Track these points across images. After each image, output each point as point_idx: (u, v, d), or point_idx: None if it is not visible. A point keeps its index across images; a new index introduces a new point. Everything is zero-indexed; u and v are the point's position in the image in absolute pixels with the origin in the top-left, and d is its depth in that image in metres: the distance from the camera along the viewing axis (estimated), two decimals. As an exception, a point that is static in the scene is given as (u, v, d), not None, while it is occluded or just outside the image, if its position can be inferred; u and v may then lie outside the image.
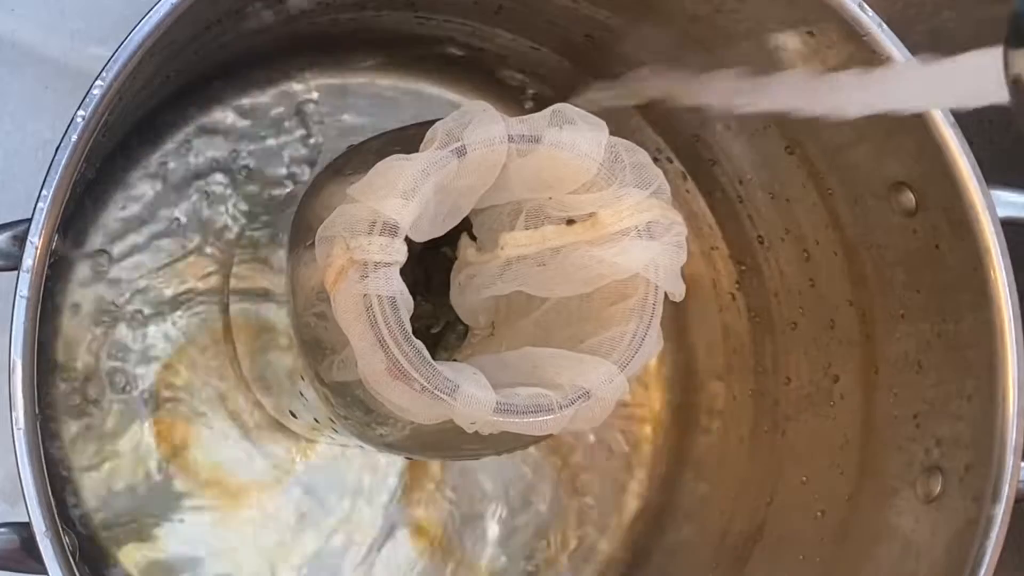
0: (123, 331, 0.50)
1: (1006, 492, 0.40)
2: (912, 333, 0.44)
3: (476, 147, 0.37)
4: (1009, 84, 0.28)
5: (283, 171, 0.52)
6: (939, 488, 0.42)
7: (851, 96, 0.37)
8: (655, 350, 0.39)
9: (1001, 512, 0.39)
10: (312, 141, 0.52)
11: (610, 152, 0.38)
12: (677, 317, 0.55)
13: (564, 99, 0.55)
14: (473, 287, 0.43)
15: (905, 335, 0.44)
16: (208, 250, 0.51)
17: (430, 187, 0.36)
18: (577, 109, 0.39)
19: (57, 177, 0.36)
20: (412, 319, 0.37)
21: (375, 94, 0.53)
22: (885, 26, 0.40)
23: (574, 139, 0.38)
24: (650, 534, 0.55)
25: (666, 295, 0.39)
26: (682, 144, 0.53)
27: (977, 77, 0.30)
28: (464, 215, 0.40)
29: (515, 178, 0.39)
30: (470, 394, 0.36)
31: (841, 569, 0.46)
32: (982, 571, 0.39)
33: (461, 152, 0.37)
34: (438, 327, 0.44)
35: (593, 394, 0.37)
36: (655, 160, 0.55)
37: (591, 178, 0.38)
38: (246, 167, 0.51)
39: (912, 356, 0.44)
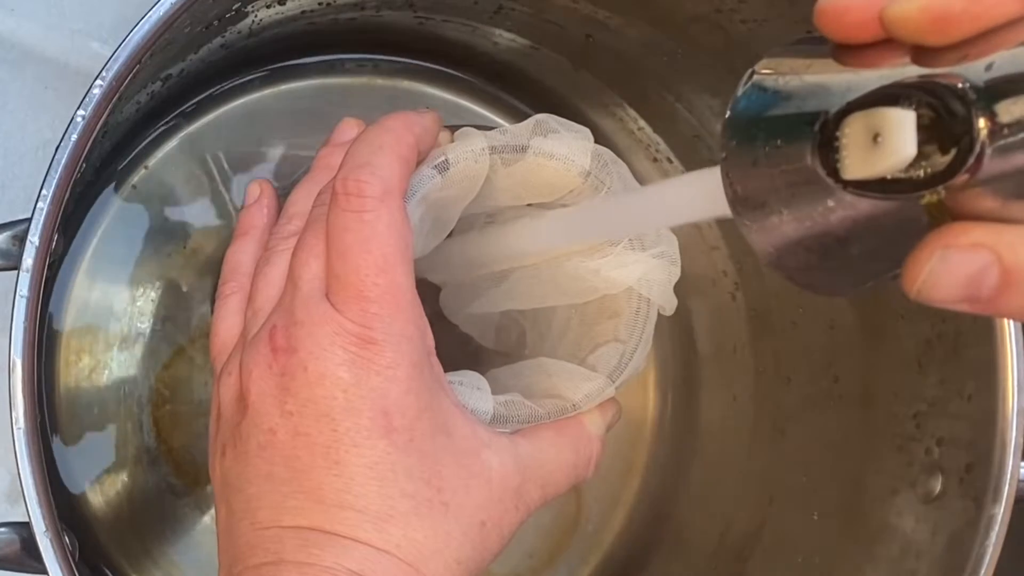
0: (123, 331, 0.50)
1: (1006, 492, 0.40)
2: (912, 333, 0.44)
3: (459, 161, 0.37)
4: (729, 198, 0.27)
5: (284, 170, 0.52)
6: (939, 488, 0.42)
7: (591, 228, 0.38)
8: (644, 363, 0.39)
9: (1001, 512, 0.40)
10: (311, 142, 0.52)
11: (597, 159, 0.38)
12: (677, 317, 0.55)
13: (563, 99, 0.55)
14: (461, 302, 0.43)
15: (905, 335, 0.44)
16: (208, 250, 0.51)
17: (415, 203, 0.36)
18: (559, 119, 0.39)
19: (57, 177, 0.36)
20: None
21: (375, 94, 0.53)
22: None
23: (561, 147, 0.38)
24: (650, 534, 0.55)
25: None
26: (682, 144, 0.53)
27: (702, 194, 0.30)
28: (451, 228, 0.40)
29: (500, 187, 0.39)
30: (471, 407, 0.36)
31: (841, 569, 0.46)
32: (982, 571, 0.39)
33: (444, 168, 0.37)
34: (472, 344, 0.45)
35: (580, 407, 0.38)
36: (654, 160, 0.55)
37: (579, 185, 0.38)
38: (244, 168, 0.51)
39: (912, 356, 0.44)
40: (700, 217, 0.32)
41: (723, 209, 0.28)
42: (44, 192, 0.36)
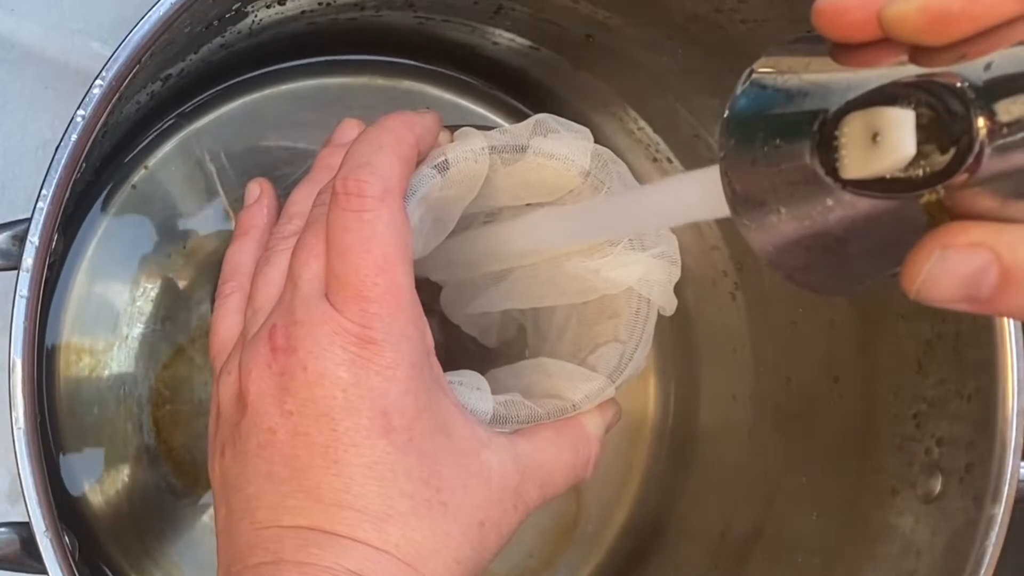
0: (123, 331, 0.50)
1: (1006, 492, 0.40)
2: (912, 333, 0.44)
3: (459, 161, 0.37)
4: (728, 197, 0.27)
5: (284, 170, 0.52)
6: (939, 488, 0.42)
7: (591, 228, 0.38)
8: (644, 363, 0.39)
9: (1001, 512, 0.40)
10: (311, 142, 0.52)
11: (597, 159, 0.38)
12: (677, 317, 0.55)
13: (563, 99, 0.55)
14: (461, 301, 0.43)
15: (905, 335, 0.44)
16: (207, 249, 0.51)
17: (415, 203, 0.37)
18: (559, 118, 0.39)
19: (57, 177, 0.36)
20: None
21: (375, 94, 0.53)
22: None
23: (561, 147, 0.38)
24: (650, 534, 0.55)
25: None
26: (682, 144, 0.53)
27: (701, 193, 0.30)
28: (451, 228, 0.40)
29: (500, 187, 0.39)
30: (470, 407, 0.36)
31: (841, 569, 0.46)
32: (982, 571, 0.39)
33: (444, 168, 0.37)
34: (472, 344, 0.45)
35: (579, 407, 0.38)
36: (654, 160, 0.55)
37: (579, 185, 0.38)
38: (244, 168, 0.51)
39: (912, 356, 0.44)
40: (700, 217, 0.32)
41: (723, 209, 0.28)
42: (44, 192, 0.36)
